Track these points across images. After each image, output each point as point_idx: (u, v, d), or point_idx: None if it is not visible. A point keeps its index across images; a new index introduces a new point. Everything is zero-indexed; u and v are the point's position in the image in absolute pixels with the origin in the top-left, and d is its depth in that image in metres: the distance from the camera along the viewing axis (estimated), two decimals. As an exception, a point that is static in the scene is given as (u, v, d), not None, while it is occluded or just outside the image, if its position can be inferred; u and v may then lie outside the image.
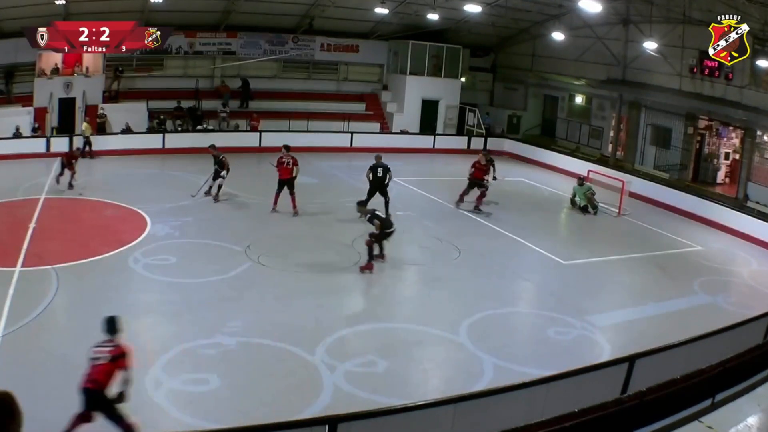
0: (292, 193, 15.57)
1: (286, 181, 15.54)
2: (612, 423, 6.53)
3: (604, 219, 18.47)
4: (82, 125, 21.42)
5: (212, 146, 16.99)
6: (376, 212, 12.54)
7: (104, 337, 6.28)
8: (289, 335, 9.43)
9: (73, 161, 17.25)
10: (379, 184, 15.70)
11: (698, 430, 6.68)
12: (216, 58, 26.18)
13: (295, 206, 15.60)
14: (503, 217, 16.92)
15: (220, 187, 16.53)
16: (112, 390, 6.25)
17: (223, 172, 16.46)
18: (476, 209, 17.16)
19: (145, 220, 14.47)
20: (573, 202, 18.97)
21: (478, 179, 17.35)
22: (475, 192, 17.37)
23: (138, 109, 23.68)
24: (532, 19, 26.73)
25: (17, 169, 18.64)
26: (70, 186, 16.91)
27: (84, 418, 6.16)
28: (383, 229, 12.24)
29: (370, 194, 15.59)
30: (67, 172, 16.88)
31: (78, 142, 20.92)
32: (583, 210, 18.61)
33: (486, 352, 9.41)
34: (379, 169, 15.74)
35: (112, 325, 6.33)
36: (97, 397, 6.13)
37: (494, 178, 18.04)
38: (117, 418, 6.24)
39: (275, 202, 15.77)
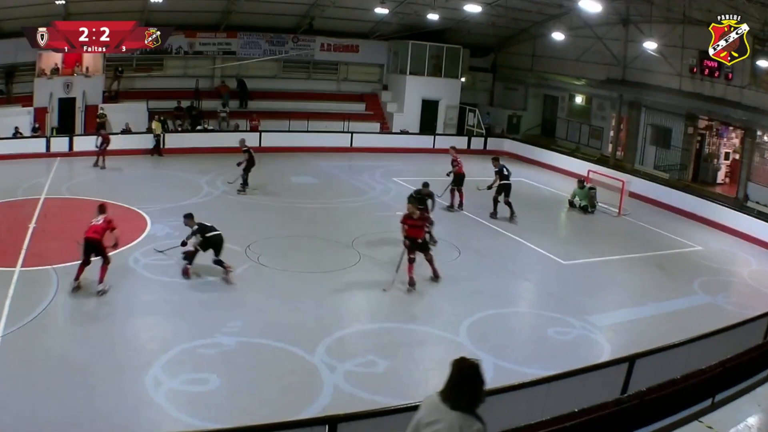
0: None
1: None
2: (612, 423, 6.51)
3: (604, 219, 18.47)
4: (152, 124, 21.41)
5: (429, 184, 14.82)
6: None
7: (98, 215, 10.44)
8: (288, 335, 9.44)
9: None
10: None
11: (698, 430, 6.66)
12: (216, 58, 26.18)
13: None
14: (503, 217, 16.90)
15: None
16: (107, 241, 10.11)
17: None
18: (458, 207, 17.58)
19: (145, 220, 14.48)
20: (571, 203, 18.99)
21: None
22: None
23: (138, 109, 23.69)
24: (532, 19, 26.74)
25: (17, 169, 18.64)
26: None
27: (85, 263, 10.15)
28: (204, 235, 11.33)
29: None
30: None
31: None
32: (584, 210, 18.63)
33: (486, 352, 9.39)
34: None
35: (103, 208, 10.69)
36: (97, 244, 10.05)
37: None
38: (107, 262, 10.27)
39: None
